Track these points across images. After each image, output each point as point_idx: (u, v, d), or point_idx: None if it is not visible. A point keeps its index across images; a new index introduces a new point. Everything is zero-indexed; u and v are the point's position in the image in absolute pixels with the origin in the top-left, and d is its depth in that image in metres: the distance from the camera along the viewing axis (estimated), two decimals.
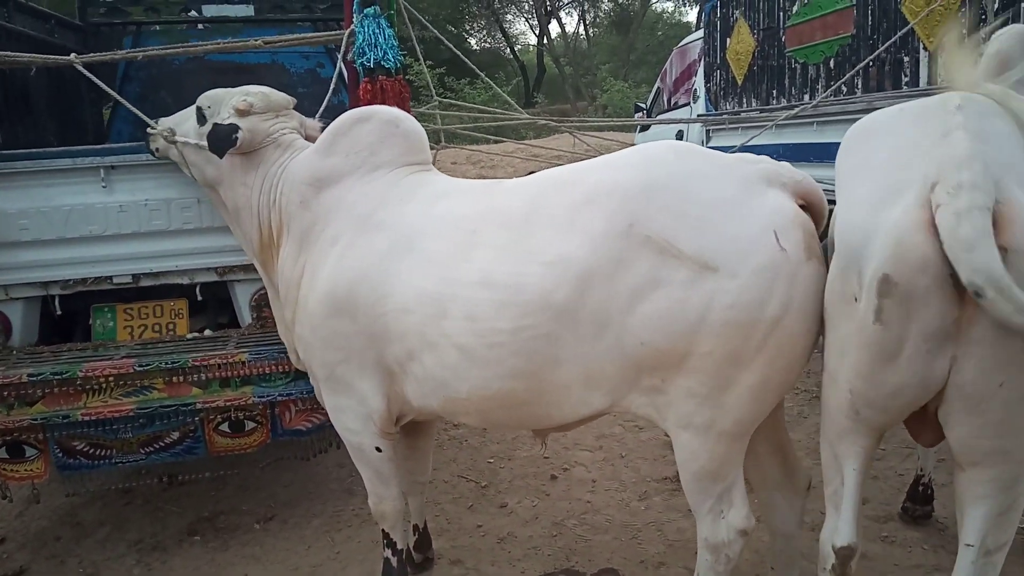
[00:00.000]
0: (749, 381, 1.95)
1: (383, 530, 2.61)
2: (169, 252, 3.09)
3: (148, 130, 2.84)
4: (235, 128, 2.51)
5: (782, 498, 2.33)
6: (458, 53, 4.78)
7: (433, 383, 2.26)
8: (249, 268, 3.05)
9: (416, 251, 2.25)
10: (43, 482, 2.98)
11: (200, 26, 5.79)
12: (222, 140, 2.49)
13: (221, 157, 2.54)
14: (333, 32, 3.36)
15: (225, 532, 3.32)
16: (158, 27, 5.88)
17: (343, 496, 3.57)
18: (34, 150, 3.07)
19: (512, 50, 29.93)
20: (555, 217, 2.08)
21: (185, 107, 2.84)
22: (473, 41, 28.97)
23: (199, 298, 3.18)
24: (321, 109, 3.05)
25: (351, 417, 2.46)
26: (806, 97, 5.09)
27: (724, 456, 2.04)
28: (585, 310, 2.00)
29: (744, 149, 3.86)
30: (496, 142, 5.80)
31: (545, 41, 28.24)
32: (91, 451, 2.95)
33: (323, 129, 2.75)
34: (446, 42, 4.69)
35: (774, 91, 5.64)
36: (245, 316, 3.22)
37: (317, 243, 2.46)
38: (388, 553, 2.62)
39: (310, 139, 2.73)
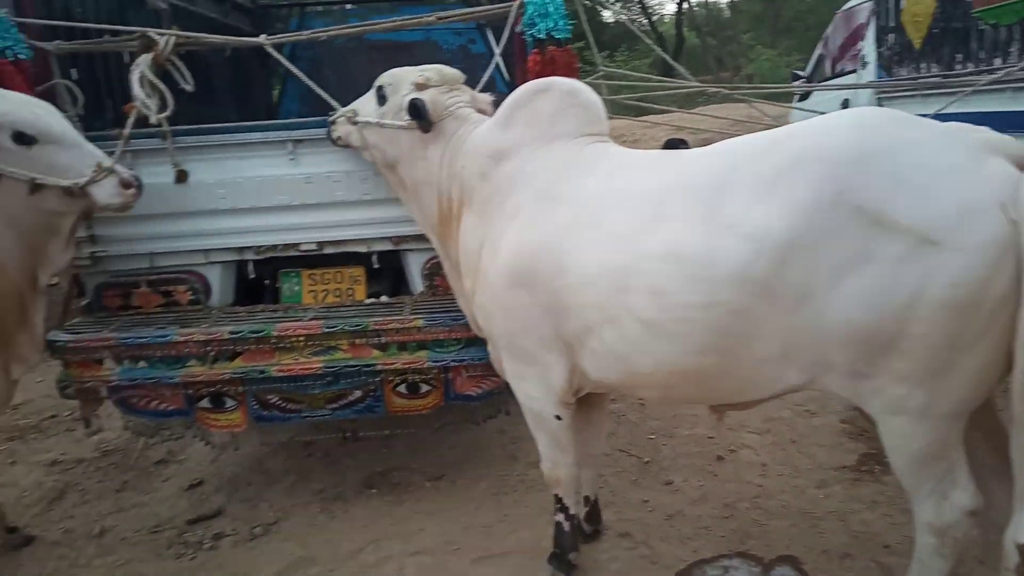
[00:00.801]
0: (971, 365, 1.81)
1: (556, 495, 2.64)
2: (349, 222, 3.23)
3: (330, 115, 2.97)
4: (423, 101, 2.59)
5: (998, 486, 2.15)
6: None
7: (612, 357, 2.24)
8: (421, 238, 3.15)
9: (596, 224, 2.23)
10: (241, 432, 3.24)
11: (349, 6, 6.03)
12: (421, 110, 2.56)
13: (425, 126, 2.60)
14: (503, 4, 3.37)
15: (399, 488, 3.49)
16: (320, 8, 6.17)
17: (507, 461, 3.65)
18: (231, 124, 3.28)
19: (649, 21, 29.15)
20: (751, 186, 1.99)
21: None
22: (607, 13, 28.44)
23: (375, 266, 3.33)
24: (482, 83, 3.09)
25: (532, 384, 2.49)
26: (996, 62, 4.62)
27: (944, 437, 1.91)
28: (784, 284, 1.91)
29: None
30: (660, 112, 5.67)
31: (684, 10, 27.30)
32: (283, 405, 3.16)
33: (493, 102, 2.78)
34: (582, 13, 4.59)
35: (959, 55, 5.15)
36: (417, 284, 3.33)
37: (497, 215, 2.49)
38: (561, 517, 2.65)
39: (481, 112, 2.77)
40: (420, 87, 2.63)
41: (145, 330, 3.03)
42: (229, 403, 3.15)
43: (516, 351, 2.50)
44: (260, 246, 3.22)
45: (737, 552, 2.82)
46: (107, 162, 2.61)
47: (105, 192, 2.58)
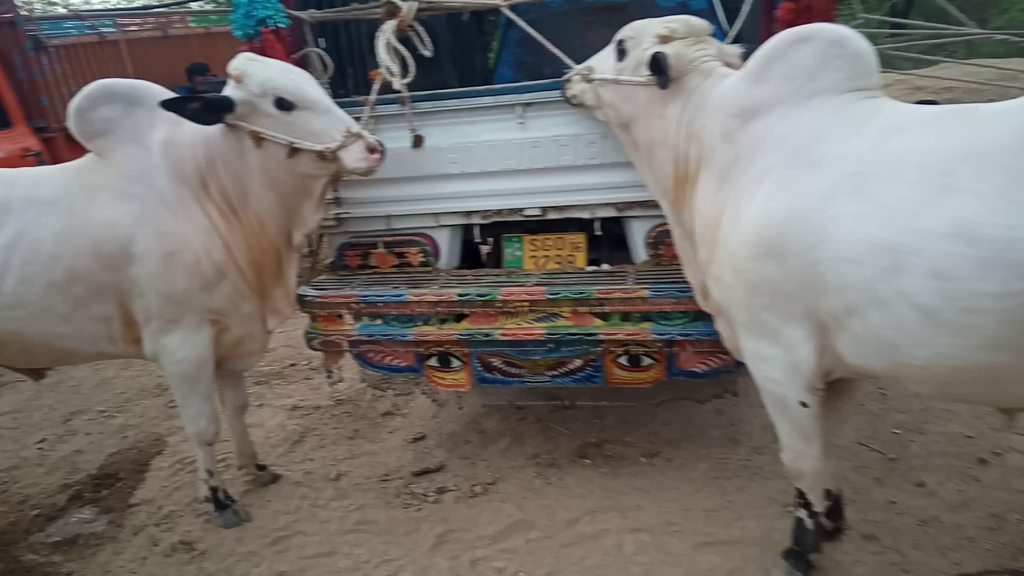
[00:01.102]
0: None
1: (799, 489, 2.43)
2: (574, 187, 3.16)
3: (565, 73, 2.89)
4: (666, 54, 2.43)
5: None
6: None
7: (878, 344, 1.98)
8: (647, 204, 3.01)
9: (865, 193, 1.96)
10: (465, 391, 3.33)
11: None
12: (663, 64, 2.41)
13: (662, 82, 2.45)
14: None
15: (613, 460, 3.43)
16: None
17: (727, 444, 3.46)
18: (464, 89, 3.32)
19: None
20: None
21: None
22: None
23: (597, 232, 3.24)
24: (731, 35, 2.85)
25: (774, 367, 2.29)
26: None
27: None
28: None
29: None
30: (932, 63, 5.05)
31: None
32: (505, 368, 3.20)
33: (743, 55, 2.55)
34: None
35: None
36: (640, 252, 3.20)
37: (741, 179, 2.29)
38: (803, 513, 2.44)
39: (729, 67, 2.55)
40: (664, 39, 2.47)
41: (382, 289, 3.18)
42: (455, 363, 3.23)
43: (758, 328, 2.30)
44: (486, 210, 3.25)
45: (1010, 570, 2.45)
46: (355, 127, 2.72)
47: (353, 156, 2.69)
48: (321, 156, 2.69)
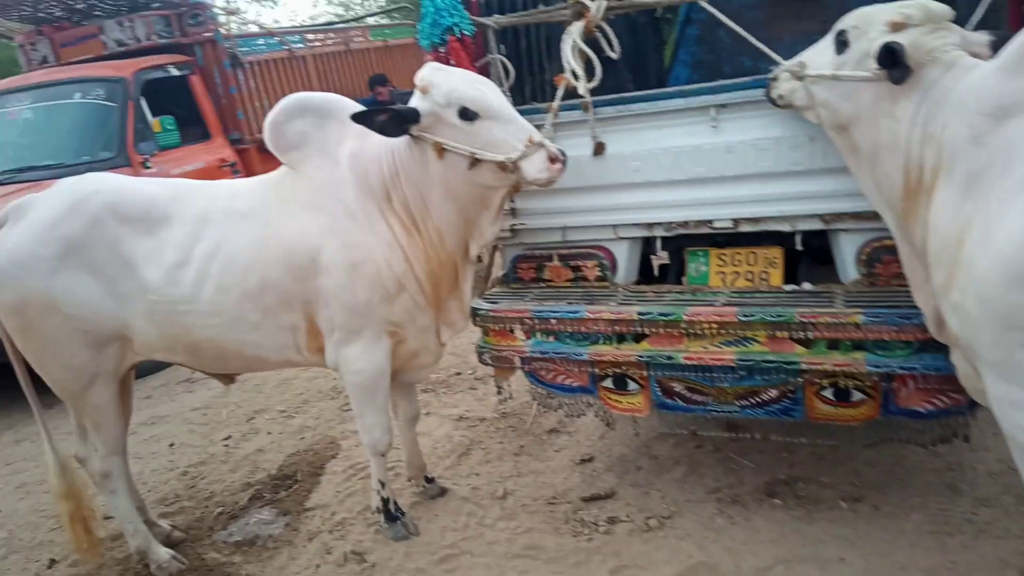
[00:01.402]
0: None
1: None
2: (773, 196, 2.84)
3: (771, 72, 2.59)
4: (902, 44, 2.08)
5: None
6: None
7: None
8: (861, 216, 2.65)
9: None
10: (642, 416, 3.10)
11: None
12: (898, 55, 2.07)
13: (897, 76, 2.11)
14: None
15: (807, 502, 3.06)
16: None
17: (945, 493, 2.99)
18: (650, 92, 3.10)
19: None
20: None
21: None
22: None
23: (797, 247, 2.90)
24: (975, 20, 2.43)
25: None
26: None
27: None
28: None
29: None
30: None
31: None
32: (688, 395, 2.94)
33: (993, 44, 2.14)
34: None
35: None
36: (849, 270, 2.82)
37: (993, 190, 1.90)
38: None
39: (975, 57, 2.15)
40: (896, 27, 2.12)
41: (557, 305, 3.02)
42: (632, 386, 3.02)
43: (1011, 370, 1.90)
44: (670, 222, 3.00)
45: None
46: (537, 137, 2.59)
47: (534, 167, 2.56)
48: (502, 167, 2.58)
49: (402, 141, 2.69)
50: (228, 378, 3.27)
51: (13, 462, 4.68)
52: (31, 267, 2.76)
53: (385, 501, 3.23)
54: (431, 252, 2.82)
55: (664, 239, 3.09)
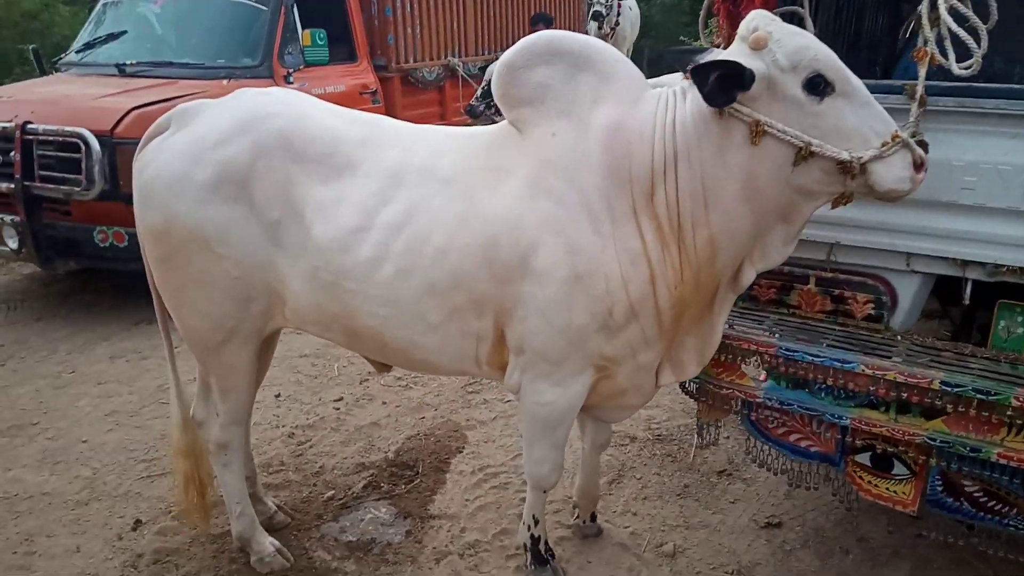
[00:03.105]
0: None
1: None
2: None
3: None
4: None
5: None
6: None
7: None
8: None
9: None
10: (909, 511, 2.35)
11: None
12: None
13: None
14: None
15: None
16: None
17: None
18: (1001, 86, 2.28)
19: None
20: None
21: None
22: None
23: None
24: None
25: None
26: None
27: None
28: None
29: None
30: None
31: None
32: (981, 499, 2.19)
33: None
34: None
35: None
36: None
37: None
38: None
39: None
40: None
41: (813, 346, 2.29)
42: (899, 470, 2.28)
43: None
44: (999, 265, 2.21)
45: None
46: (902, 132, 1.84)
47: (892, 173, 1.83)
48: (843, 167, 1.84)
49: (698, 115, 1.95)
50: (384, 367, 2.64)
51: (105, 382, 4.25)
52: (180, 190, 2.20)
53: (535, 540, 2.61)
54: (689, 271, 2.06)
55: (976, 284, 2.30)
